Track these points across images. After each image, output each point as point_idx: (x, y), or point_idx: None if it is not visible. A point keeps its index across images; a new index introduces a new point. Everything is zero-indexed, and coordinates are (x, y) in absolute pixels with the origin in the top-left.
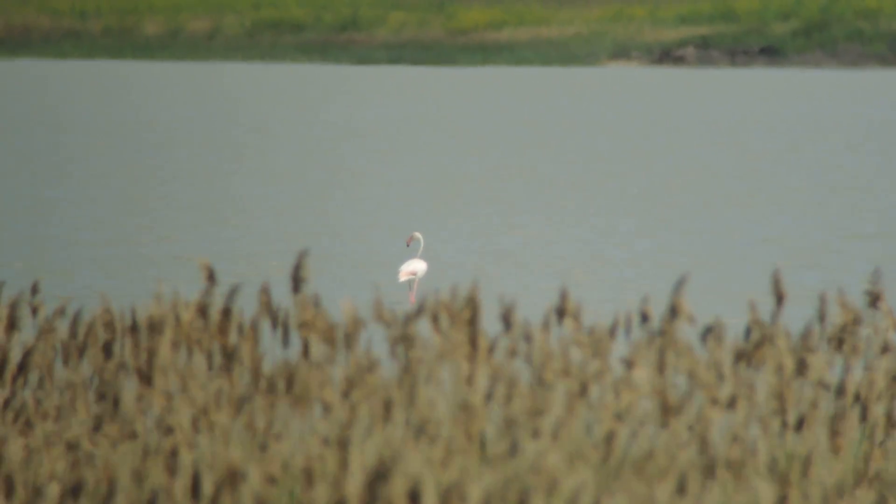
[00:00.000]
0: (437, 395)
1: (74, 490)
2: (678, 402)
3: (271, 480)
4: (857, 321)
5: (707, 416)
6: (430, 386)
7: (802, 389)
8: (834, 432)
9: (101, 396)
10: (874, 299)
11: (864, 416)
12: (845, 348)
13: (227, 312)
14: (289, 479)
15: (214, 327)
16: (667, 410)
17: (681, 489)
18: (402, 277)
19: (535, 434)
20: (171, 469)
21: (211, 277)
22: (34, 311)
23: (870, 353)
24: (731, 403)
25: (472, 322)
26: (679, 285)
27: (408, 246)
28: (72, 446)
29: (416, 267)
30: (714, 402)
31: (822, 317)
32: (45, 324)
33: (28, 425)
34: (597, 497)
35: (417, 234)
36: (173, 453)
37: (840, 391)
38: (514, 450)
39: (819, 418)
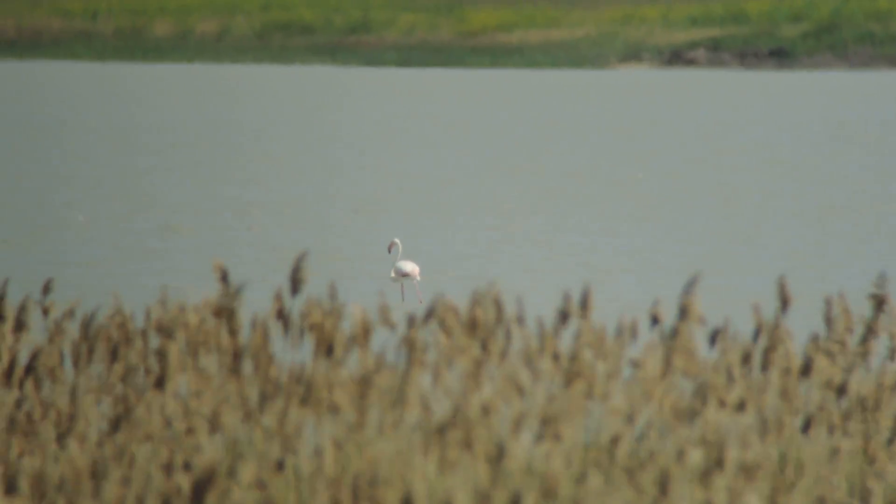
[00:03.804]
0: (445, 396)
1: (85, 490)
2: (686, 404)
3: (277, 481)
4: (865, 325)
5: (715, 418)
6: (438, 388)
7: (810, 392)
8: (841, 434)
9: (112, 398)
10: (879, 303)
11: (870, 418)
12: (853, 351)
13: (236, 314)
14: (296, 480)
15: (225, 329)
16: (675, 413)
17: (687, 490)
18: (418, 277)
19: (544, 436)
20: (182, 470)
21: (224, 279)
22: (45, 311)
23: (878, 355)
24: (740, 405)
25: (481, 324)
26: (690, 286)
27: (389, 252)
28: (83, 447)
29: (415, 266)
30: (722, 404)
31: (828, 320)
32: (55, 325)
33: (35, 428)
34: (602, 499)
35: (396, 241)
36: (184, 454)
37: (847, 393)
38: (519, 452)
39: (826, 420)
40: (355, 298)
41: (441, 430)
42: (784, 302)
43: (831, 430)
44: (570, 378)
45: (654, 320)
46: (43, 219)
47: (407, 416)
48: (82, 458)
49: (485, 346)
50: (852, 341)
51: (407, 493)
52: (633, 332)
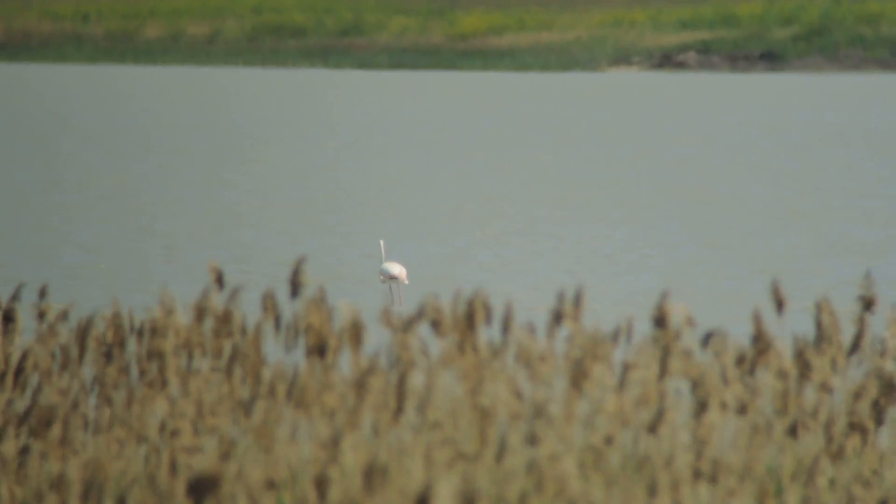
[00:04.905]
0: (439, 398)
1: (77, 493)
2: (678, 406)
3: (272, 483)
4: (857, 327)
5: (708, 421)
6: (433, 389)
7: (804, 394)
8: (834, 436)
9: (104, 400)
10: (868, 304)
11: (862, 421)
12: (844, 353)
13: (229, 315)
14: (290, 482)
15: (217, 330)
16: (666, 414)
17: (676, 494)
18: (405, 280)
19: (535, 437)
20: (174, 472)
21: (219, 281)
22: (40, 315)
23: (868, 357)
24: (734, 408)
25: (474, 326)
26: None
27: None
28: (73, 450)
29: (402, 269)
30: (718, 406)
31: (819, 324)
32: (47, 327)
33: (32, 429)
34: (596, 500)
35: (381, 242)
36: (176, 457)
37: (841, 396)
38: (515, 452)
39: (820, 423)
40: (345, 300)
41: (435, 431)
42: (778, 304)
43: (819, 432)
44: (564, 379)
45: (657, 322)
46: (34, 222)
47: (401, 417)
48: (75, 459)
49: (476, 348)
50: (843, 343)
51: (403, 494)
52: (629, 334)
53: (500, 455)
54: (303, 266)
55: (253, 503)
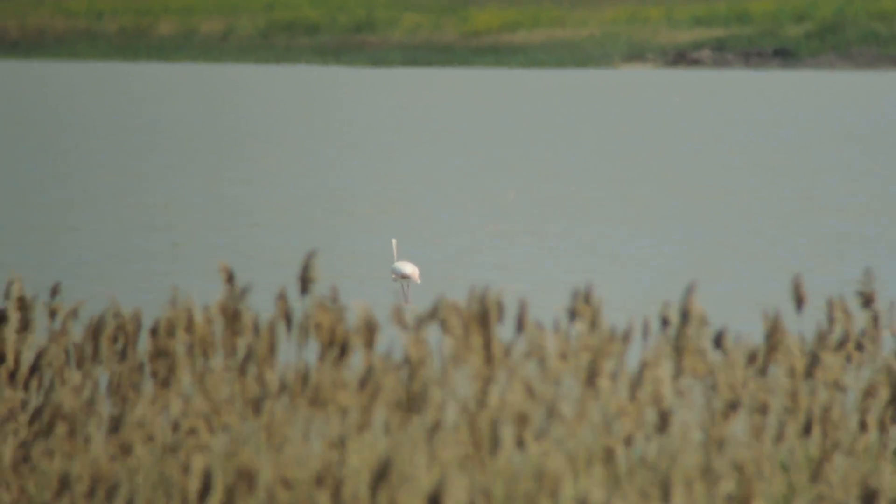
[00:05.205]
0: (451, 397)
1: (90, 492)
2: (691, 404)
3: (285, 483)
4: (872, 326)
5: (721, 420)
6: (445, 388)
7: (815, 392)
8: (846, 434)
9: (116, 398)
10: (867, 300)
11: (874, 418)
12: (856, 351)
13: (239, 314)
14: (302, 481)
15: (230, 329)
16: (678, 413)
17: (688, 493)
18: (417, 279)
19: (546, 437)
20: (186, 471)
21: (230, 280)
22: (52, 313)
23: (878, 355)
24: (747, 406)
25: (486, 324)
26: (690, 291)
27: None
28: (84, 448)
29: (414, 268)
30: (729, 405)
31: (831, 321)
32: (59, 325)
33: (47, 428)
34: (605, 501)
35: (394, 241)
36: (188, 455)
37: (851, 394)
38: (523, 453)
39: (832, 421)
40: (359, 299)
41: (448, 431)
42: (799, 301)
43: (830, 430)
44: (578, 378)
45: (664, 322)
46: (45, 219)
47: (414, 416)
48: (85, 457)
49: (489, 346)
50: (855, 341)
51: (413, 493)
52: (645, 332)
53: (509, 454)
54: (313, 262)
55: (269, 500)
